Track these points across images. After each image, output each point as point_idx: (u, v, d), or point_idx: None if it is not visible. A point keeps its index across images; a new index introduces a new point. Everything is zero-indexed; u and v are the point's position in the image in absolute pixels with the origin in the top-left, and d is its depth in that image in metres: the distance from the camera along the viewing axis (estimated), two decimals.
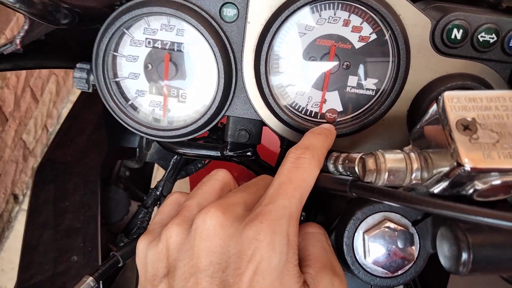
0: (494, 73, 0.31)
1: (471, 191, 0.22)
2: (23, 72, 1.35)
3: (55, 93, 1.64)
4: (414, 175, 0.25)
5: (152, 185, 0.62)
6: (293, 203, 0.23)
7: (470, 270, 0.22)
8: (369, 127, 0.34)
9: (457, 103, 0.23)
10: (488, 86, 0.31)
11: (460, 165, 0.21)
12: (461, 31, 0.30)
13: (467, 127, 0.22)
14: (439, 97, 0.23)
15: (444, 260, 0.24)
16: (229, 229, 0.23)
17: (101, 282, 0.33)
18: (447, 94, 0.23)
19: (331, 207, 0.36)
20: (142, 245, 0.27)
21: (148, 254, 0.26)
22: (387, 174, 0.25)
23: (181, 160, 0.59)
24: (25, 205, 1.53)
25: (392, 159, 0.26)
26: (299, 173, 0.24)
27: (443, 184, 0.23)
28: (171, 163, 0.60)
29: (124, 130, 0.54)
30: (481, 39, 0.30)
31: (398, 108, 0.33)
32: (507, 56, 0.31)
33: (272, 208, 0.23)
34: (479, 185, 0.22)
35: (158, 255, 0.25)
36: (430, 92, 0.32)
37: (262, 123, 0.37)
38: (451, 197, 0.24)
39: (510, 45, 0.30)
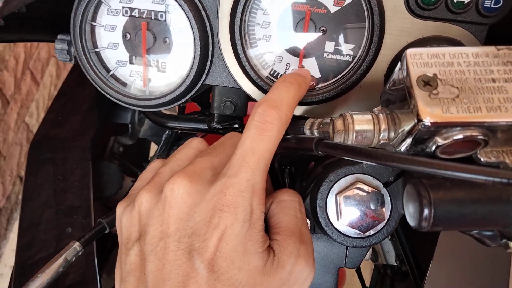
0: (470, 35, 0.31)
1: (433, 147, 0.23)
2: (22, 54, 1.36)
3: (55, 76, 1.65)
4: (382, 135, 0.25)
5: None
6: (256, 174, 0.24)
7: (432, 225, 0.22)
8: (346, 93, 0.34)
9: (419, 60, 0.23)
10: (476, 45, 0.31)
11: (420, 120, 0.21)
12: None
13: (428, 82, 0.22)
14: (403, 55, 0.23)
15: (409, 217, 0.24)
16: (195, 197, 0.24)
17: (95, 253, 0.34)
18: (409, 51, 0.23)
19: (310, 173, 0.37)
20: (119, 210, 0.28)
21: (123, 219, 0.27)
22: (355, 134, 0.26)
23: (172, 135, 0.60)
24: None
25: (360, 119, 0.26)
26: (263, 144, 0.24)
27: (407, 142, 0.24)
28: (163, 138, 0.60)
29: (114, 105, 0.55)
30: (455, 0, 0.30)
31: (375, 73, 0.33)
32: (482, 17, 0.30)
33: (235, 182, 0.24)
34: (440, 141, 0.22)
35: (131, 220, 0.26)
36: None
37: (247, 95, 0.37)
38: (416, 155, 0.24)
39: (485, 5, 0.30)
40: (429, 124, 0.21)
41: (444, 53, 0.23)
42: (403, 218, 0.27)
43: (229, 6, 0.32)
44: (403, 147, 0.24)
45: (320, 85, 0.35)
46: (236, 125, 0.42)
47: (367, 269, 0.62)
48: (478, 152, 0.23)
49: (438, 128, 0.21)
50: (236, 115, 0.40)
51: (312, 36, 0.33)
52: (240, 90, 0.36)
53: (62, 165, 0.53)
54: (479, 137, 0.22)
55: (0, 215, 1.39)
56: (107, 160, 0.59)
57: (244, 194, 0.24)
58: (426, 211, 0.22)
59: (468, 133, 0.21)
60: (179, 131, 0.60)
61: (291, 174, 0.40)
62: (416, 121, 0.21)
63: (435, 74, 0.22)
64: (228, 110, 0.38)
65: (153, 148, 0.86)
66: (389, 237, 0.49)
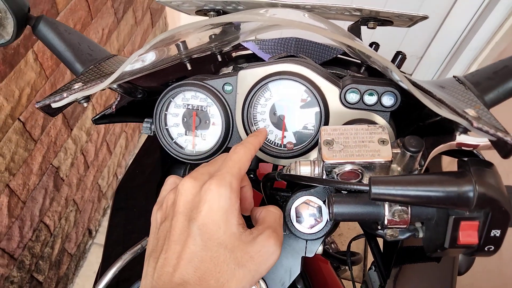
0: (379, 117, 0.53)
1: (335, 175, 0.44)
2: (102, 130, 1.72)
3: (124, 147, 2.00)
4: (315, 171, 0.47)
5: None
6: (234, 170, 0.38)
7: (334, 218, 0.43)
8: (310, 151, 0.56)
9: (327, 132, 0.45)
10: (374, 123, 0.53)
11: (323, 161, 0.43)
12: (355, 94, 0.53)
13: (329, 142, 0.44)
14: (319, 130, 0.46)
15: (328, 215, 0.45)
16: (196, 189, 0.37)
17: None
18: (322, 128, 0.45)
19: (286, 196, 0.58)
20: (154, 210, 0.42)
21: (157, 215, 0.41)
22: (301, 170, 0.48)
23: None
24: (97, 239, 1.84)
25: (303, 164, 0.48)
26: (235, 155, 0.40)
27: (325, 173, 0.45)
28: None
29: (172, 164, 0.80)
30: (366, 102, 0.52)
31: None
32: (385, 108, 0.52)
33: (219, 173, 0.38)
34: (336, 171, 0.43)
35: (161, 212, 0.40)
36: None
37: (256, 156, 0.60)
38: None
39: (384, 103, 0.52)
40: (327, 162, 0.43)
41: (339, 128, 0.45)
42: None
43: (241, 104, 0.57)
44: (324, 176, 0.45)
45: (296, 147, 0.57)
46: (252, 175, 0.64)
47: None
48: (363, 179, 0.44)
49: (332, 164, 0.43)
50: (251, 168, 0.62)
51: (289, 120, 0.57)
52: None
53: (131, 212, 0.75)
54: (356, 169, 0.43)
55: (71, 261, 1.65)
56: None
57: (225, 182, 0.36)
58: (330, 209, 0.43)
59: (349, 167, 0.43)
60: None
61: (277, 196, 0.61)
62: (323, 161, 0.43)
63: (333, 139, 0.44)
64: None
65: None
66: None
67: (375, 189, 0.37)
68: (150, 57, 0.51)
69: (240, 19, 0.60)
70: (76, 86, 0.46)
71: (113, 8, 1.56)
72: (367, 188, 0.38)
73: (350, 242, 0.86)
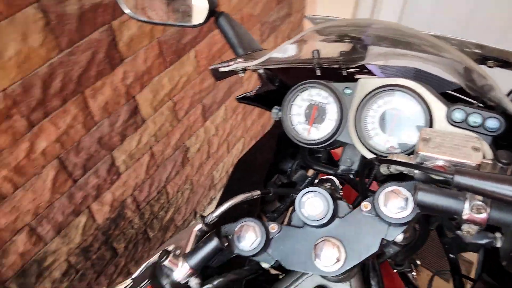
0: (482, 140, 0.57)
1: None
2: (227, 129, 1.96)
3: (240, 150, 2.23)
4: None
5: None
6: None
7: (417, 204, 0.49)
8: None
9: (426, 132, 0.52)
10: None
11: (418, 152, 0.50)
12: (461, 114, 0.58)
13: (426, 140, 0.51)
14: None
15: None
16: None
17: None
18: (423, 129, 0.53)
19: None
20: None
21: None
22: None
23: (308, 181, 0.93)
24: None
25: (401, 158, 0.55)
26: None
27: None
28: (305, 182, 0.94)
29: (283, 157, 0.92)
30: (471, 123, 0.58)
31: None
32: (488, 131, 0.57)
33: None
34: (427, 164, 0.50)
35: None
36: None
37: (360, 155, 0.69)
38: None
39: (487, 126, 0.56)
40: (421, 154, 0.50)
41: (437, 131, 0.52)
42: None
43: (355, 107, 0.67)
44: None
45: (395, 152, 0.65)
46: (351, 175, 0.73)
47: None
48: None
49: (425, 156, 0.49)
50: (356, 170, 0.71)
51: (395, 127, 0.65)
52: (355, 151, 0.68)
53: (244, 182, 0.91)
54: (446, 165, 0.49)
55: (175, 232, 1.90)
56: (270, 186, 0.96)
57: None
58: (415, 197, 0.49)
59: (440, 162, 0.49)
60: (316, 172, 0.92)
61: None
62: (417, 152, 0.50)
63: (430, 137, 0.51)
64: (348, 164, 0.71)
65: None
66: None
67: (459, 178, 0.42)
68: (290, 52, 0.66)
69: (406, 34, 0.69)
70: (238, 60, 0.62)
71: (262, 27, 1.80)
72: (451, 176, 0.44)
73: (433, 275, 0.86)
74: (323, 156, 0.85)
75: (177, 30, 1.27)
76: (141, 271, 0.56)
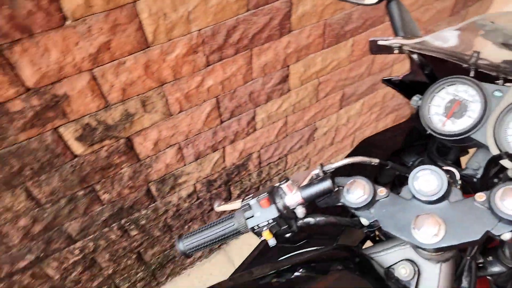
0: None
1: None
2: (358, 122, 2.01)
3: None
4: None
5: None
6: None
7: None
8: None
9: None
10: None
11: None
12: None
13: None
14: None
15: None
16: None
17: None
18: None
19: None
20: None
21: None
22: None
23: None
24: None
25: None
26: None
27: None
28: None
29: (407, 152, 0.95)
30: None
31: None
32: None
33: None
34: None
35: None
36: None
37: (487, 159, 0.70)
38: None
39: None
40: None
41: None
42: None
43: (501, 109, 0.68)
44: None
45: None
46: (474, 179, 0.74)
47: None
48: None
49: None
50: (478, 173, 0.72)
51: None
52: (486, 156, 0.69)
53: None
54: None
55: None
56: (385, 174, 1.01)
57: None
58: None
59: None
60: None
61: None
62: None
63: None
64: (475, 167, 0.72)
65: None
66: None
67: None
68: (449, 41, 0.70)
69: None
70: (397, 38, 0.70)
71: None
72: None
73: None
74: (450, 157, 0.87)
75: (343, 16, 1.37)
76: (263, 189, 0.69)
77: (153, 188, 1.43)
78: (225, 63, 1.24)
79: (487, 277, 0.79)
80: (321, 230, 0.84)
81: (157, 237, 1.63)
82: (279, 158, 1.77)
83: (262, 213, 0.62)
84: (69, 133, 1.06)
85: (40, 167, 1.07)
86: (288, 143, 1.72)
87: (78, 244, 1.38)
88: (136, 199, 1.41)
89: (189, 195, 1.58)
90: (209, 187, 1.62)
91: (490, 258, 0.75)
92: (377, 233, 0.87)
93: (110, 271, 1.58)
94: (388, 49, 0.71)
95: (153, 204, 1.49)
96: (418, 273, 0.61)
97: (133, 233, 1.52)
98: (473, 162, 0.74)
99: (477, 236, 0.51)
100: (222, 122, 1.41)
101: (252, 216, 0.62)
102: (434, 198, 0.56)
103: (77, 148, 1.11)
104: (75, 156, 1.13)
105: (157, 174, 1.40)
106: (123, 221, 1.44)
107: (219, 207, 0.70)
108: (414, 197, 0.58)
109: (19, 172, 1.04)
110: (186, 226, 1.71)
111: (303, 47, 1.38)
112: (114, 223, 1.42)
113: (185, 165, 1.45)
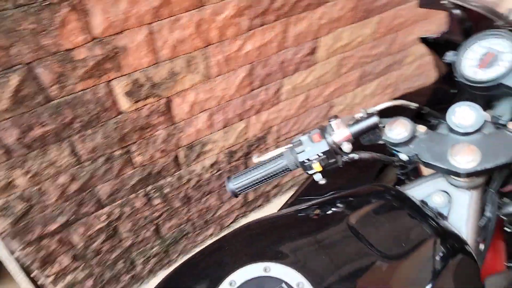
0: None
1: None
2: (371, 104, 2.07)
3: None
4: None
5: None
6: None
7: None
8: None
9: None
10: None
11: None
12: None
13: None
14: None
15: None
16: None
17: None
18: None
19: None
20: None
21: None
22: None
23: None
24: None
25: None
26: None
27: None
28: None
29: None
30: None
31: None
32: None
33: None
34: None
35: None
36: None
37: None
38: None
39: None
40: None
41: None
42: None
43: None
44: None
45: None
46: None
47: None
48: None
49: None
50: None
51: None
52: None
53: None
54: None
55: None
56: None
57: None
58: None
59: None
60: None
61: None
62: None
63: None
64: (501, 113, 0.69)
65: None
66: None
67: None
68: None
69: None
70: None
71: None
72: None
73: None
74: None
75: None
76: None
77: (181, 155, 1.43)
78: (265, 29, 1.26)
79: (502, 217, 0.84)
80: (358, 176, 0.88)
81: (176, 208, 1.64)
82: (296, 134, 1.81)
83: (313, 148, 0.64)
84: (120, 87, 1.05)
85: (88, 121, 1.06)
86: (305, 118, 1.76)
87: (106, 210, 1.36)
88: (164, 165, 1.41)
89: (212, 165, 1.59)
90: (229, 159, 1.64)
91: (507, 200, 0.80)
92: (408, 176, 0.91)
93: (128, 243, 1.57)
94: (436, 2, 0.77)
95: (178, 172, 1.49)
96: (450, 201, 0.65)
97: (156, 201, 1.52)
98: (500, 109, 0.78)
99: (509, 158, 0.56)
100: (252, 90, 1.43)
101: (303, 151, 0.65)
102: (471, 129, 0.60)
103: (124, 103, 1.10)
104: (120, 112, 1.12)
105: (187, 140, 1.40)
106: (149, 187, 1.44)
107: (258, 158, 0.71)
108: (451, 131, 0.63)
109: (70, 124, 1.02)
110: (204, 199, 1.72)
111: (335, 20, 1.42)
112: (141, 189, 1.42)
113: (212, 132, 1.46)
